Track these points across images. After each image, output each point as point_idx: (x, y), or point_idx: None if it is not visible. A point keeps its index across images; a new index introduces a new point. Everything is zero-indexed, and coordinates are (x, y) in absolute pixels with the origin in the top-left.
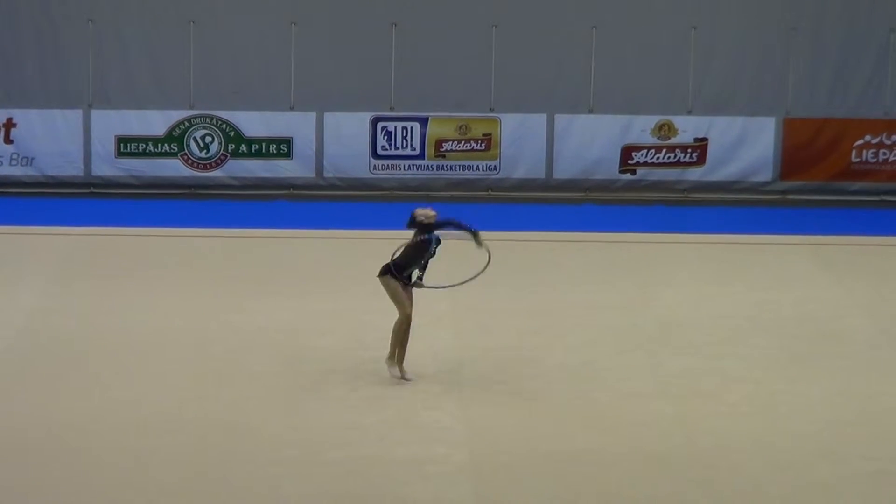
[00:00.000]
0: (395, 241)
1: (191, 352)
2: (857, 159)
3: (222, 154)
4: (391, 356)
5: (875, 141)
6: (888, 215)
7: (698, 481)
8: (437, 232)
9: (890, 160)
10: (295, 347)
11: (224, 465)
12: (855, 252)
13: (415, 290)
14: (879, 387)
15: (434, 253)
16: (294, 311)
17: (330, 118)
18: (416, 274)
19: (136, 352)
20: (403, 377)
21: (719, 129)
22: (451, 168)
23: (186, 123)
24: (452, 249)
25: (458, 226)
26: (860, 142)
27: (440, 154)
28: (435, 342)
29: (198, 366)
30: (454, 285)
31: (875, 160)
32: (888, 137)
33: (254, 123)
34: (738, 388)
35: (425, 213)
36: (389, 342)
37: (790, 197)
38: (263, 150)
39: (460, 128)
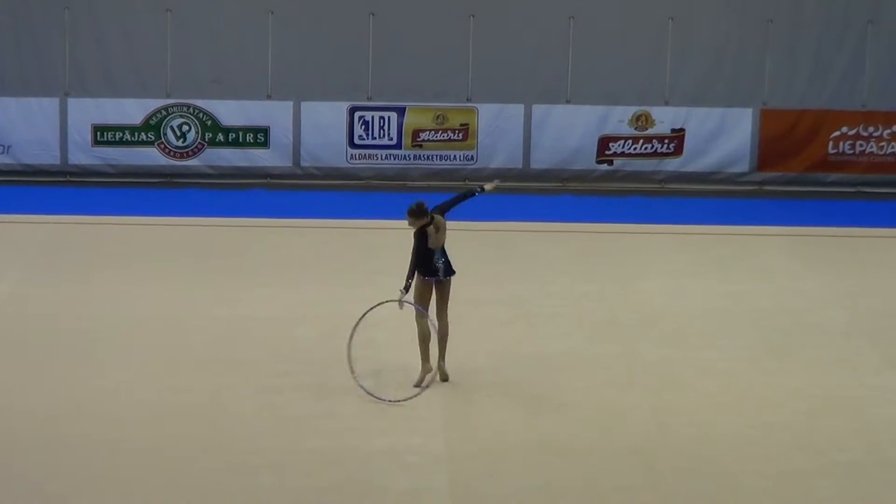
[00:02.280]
0: (372, 230)
1: (167, 341)
2: (834, 151)
3: (199, 143)
4: (429, 364)
5: (852, 132)
6: (865, 207)
7: (674, 472)
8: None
9: (867, 152)
10: (272, 337)
11: (201, 454)
12: (832, 243)
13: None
14: (855, 378)
15: (429, 235)
16: (271, 300)
17: (307, 107)
18: (440, 261)
19: (113, 341)
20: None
21: (696, 120)
22: (428, 158)
23: (163, 112)
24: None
25: (457, 201)
26: (837, 133)
27: (417, 144)
28: (413, 332)
29: (174, 355)
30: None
31: (852, 151)
32: (865, 129)
33: (231, 112)
34: (715, 379)
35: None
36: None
37: (767, 188)
38: (240, 140)
39: (437, 117)
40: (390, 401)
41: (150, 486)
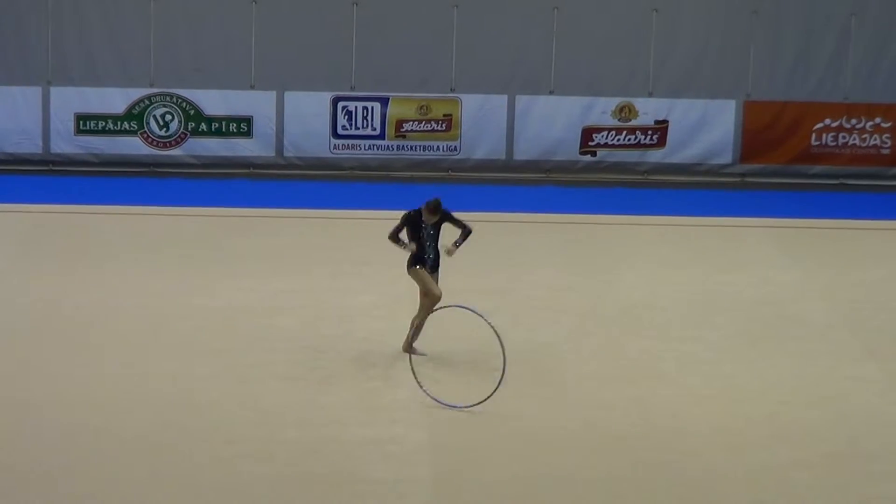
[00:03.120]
0: (355, 220)
1: (149, 330)
2: (817, 143)
3: (182, 132)
4: (408, 344)
5: (835, 124)
6: (847, 199)
7: (656, 464)
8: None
9: (849, 144)
10: (254, 326)
11: (181, 443)
12: (814, 235)
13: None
14: (835, 370)
15: (428, 228)
16: (254, 290)
17: (290, 97)
18: (438, 250)
19: (95, 330)
20: (415, 352)
21: (680, 112)
22: (411, 148)
23: (146, 101)
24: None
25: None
26: (820, 125)
27: (400, 134)
28: (395, 322)
29: (155, 344)
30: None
31: (835, 144)
32: (848, 121)
33: (214, 102)
34: (696, 370)
35: (431, 207)
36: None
37: (750, 180)
38: (223, 129)
39: (421, 108)
40: (461, 407)
41: (132, 475)
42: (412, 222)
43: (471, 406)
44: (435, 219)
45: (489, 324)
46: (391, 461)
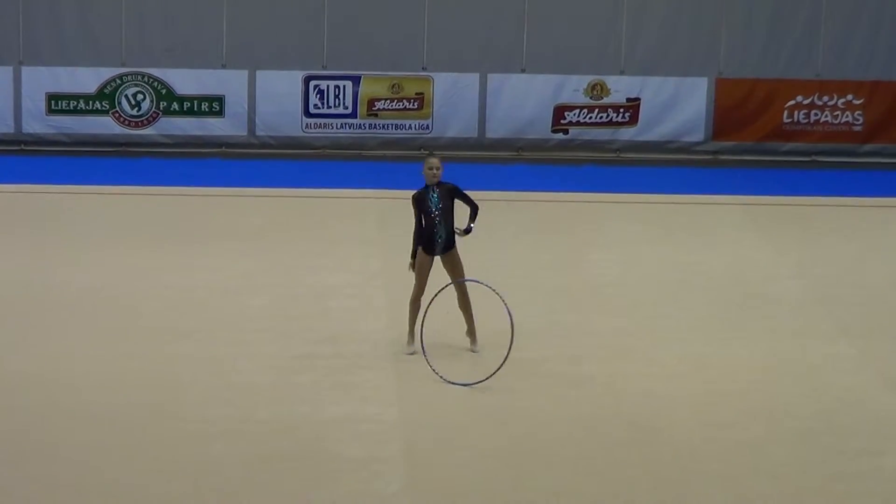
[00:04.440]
0: (328, 199)
1: (121, 310)
2: (789, 120)
3: (154, 112)
4: (410, 333)
5: (807, 101)
6: (819, 176)
7: (628, 441)
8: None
9: (821, 121)
10: (227, 306)
11: (152, 423)
12: (786, 212)
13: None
14: (808, 347)
15: (436, 201)
16: (226, 269)
17: (262, 76)
18: (455, 231)
19: (66, 309)
20: (472, 348)
21: (652, 90)
22: (383, 127)
23: (118, 81)
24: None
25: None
26: (792, 102)
27: (372, 113)
28: (367, 300)
29: (127, 323)
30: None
31: (807, 121)
32: (819, 98)
33: (185, 81)
34: (669, 348)
35: (427, 163)
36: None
37: (722, 157)
38: (195, 109)
39: (393, 87)
40: (463, 384)
41: (103, 454)
42: (419, 201)
43: (474, 383)
44: (437, 178)
45: (502, 300)
46: (364, 440)
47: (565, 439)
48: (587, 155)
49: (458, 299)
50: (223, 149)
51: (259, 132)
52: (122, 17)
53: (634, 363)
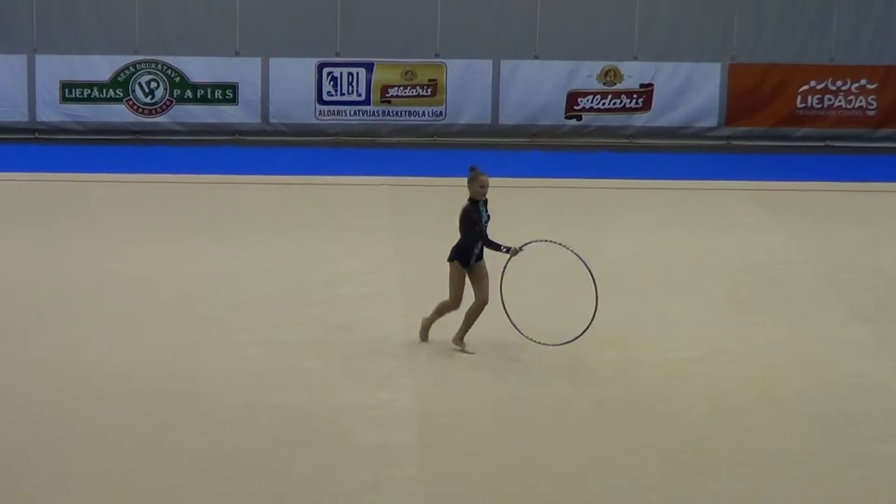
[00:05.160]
0: (341, 186)
1: (136, 298)
2: (802, 105)
3: (167, 100)
4: (459, 337)
5: (820, 87)
6: (832, 161)
7: (641, 427)
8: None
9: (835, 106)
10: (240, 292)
11: (167, 410)
12: (799, 197)
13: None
14: (822, 332)
15: (486, 218)
16: (240, 256)
17: (275, 63)
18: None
19: (82, 297)
20: (463, 349)
21: (665, 75)
22: (396, 114)
23: (131, 69)
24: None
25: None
26: (805, 87)
27: (386, 100)
28: (379, 287)
29: (143, 312)
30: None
31: (820, 106)
32: (833, 83)
33: (199, 69)
34: (682, 333)
35: (480, 181)
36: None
37: (735, 143)
38: (208, 96)
39: (406, 73)
40: (553, 345)
41: (118, 441)
42: (473, 214)
43: (561, 344)
44: (486, 193)
45: (584, 263)
46: (376, 427)
47: (578, 424)
48: (600, 141)
49: (474, 307)
50: (236, 136)
51: (272, 119)
52: (136, 5)
53: (647, 348)
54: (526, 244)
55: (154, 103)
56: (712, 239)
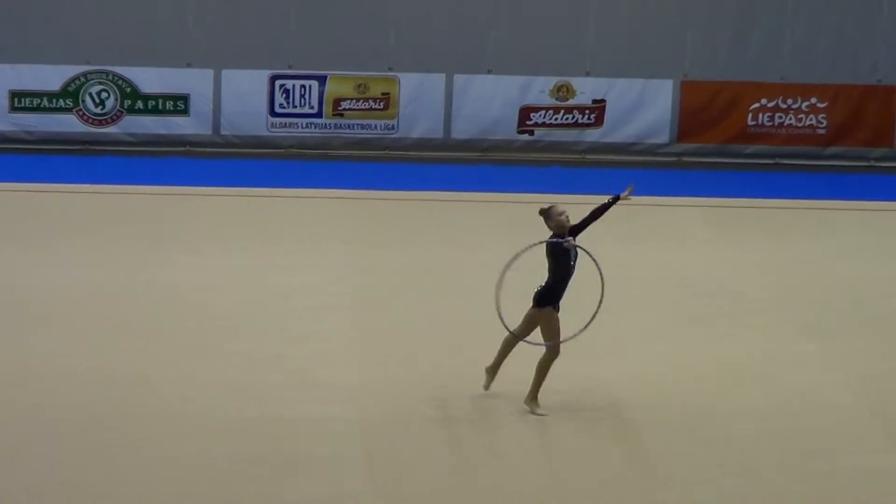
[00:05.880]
0: (293, 199)
1: (88, 309)
2: (753, 122)
3: (118, 110)
4: (532, 396)
5: (771, 104)
6: (782, 178)
7: (592, 439)
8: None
9: (785, 124)
10: (192, 305)
11: (122, 420)
12: (749, 214)
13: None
14: (773, 348)
15: (574, 254)
16: (192, 268)
17: (227, 75)
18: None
19: (35, 308)
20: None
21: (617, 91)
22: (348, 127)
23: (82, 79)
24: None
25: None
26: (756, 105)
27: (338, 113)
28: (332, 300)
29: (95, 323)
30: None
31: (771, 123)
32: (784, 101)
33: (150, 80)
34: (632, 348)
35: (556, 211)
36: (532, 379)
37: (686, 159)
38: (160, 107)
39: (359, 87)
40: (540, 344)
41: (70, 455)
42: (562, 252)
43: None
44: (568, 220)
45: (594, 260)
46: (328, 439)
47: (526, 437)
48: (552, 156)
49: (547, 358)
50: (187, 147)
51: (224, 131)
52: (87, 15)
53: (601, 363)
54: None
55: (104, 114)
56: (663, 255)
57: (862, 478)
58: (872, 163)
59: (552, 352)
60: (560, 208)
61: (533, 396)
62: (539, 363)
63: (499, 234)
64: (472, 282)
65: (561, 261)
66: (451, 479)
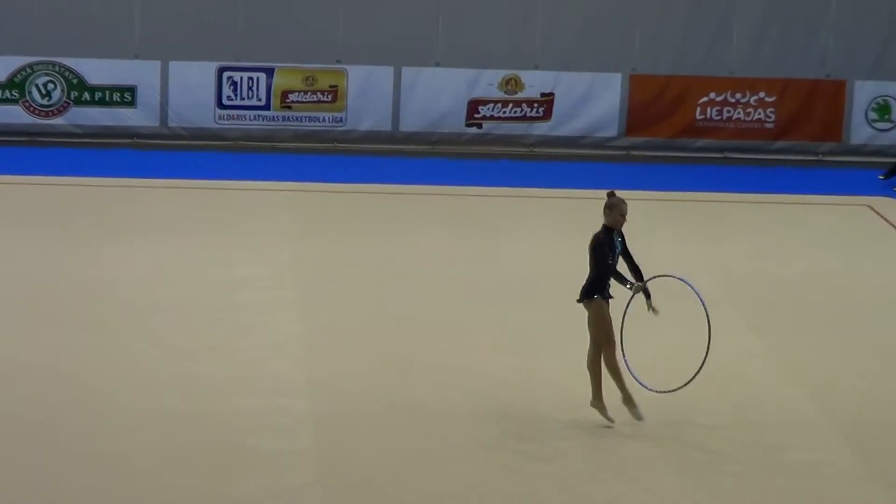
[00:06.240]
0: (240, 191)
1: (29, 301)
2: (702, 116)
3: (65, 101)
4: (596, 397)
5: (719, 98)
6: (731, 172)
7: (539, 433)
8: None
9: (733, 118)
10: (138, 297)
11: (62, 415)
12: (698, 208)
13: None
14: (718, 343)
15: (617, 248)
16: (137, 260)
17: (175, 67)
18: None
19: None
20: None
21: (566, 85)
22: (296, 119)
23: (28, 70)
24: None
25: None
26: (704, 99)
27: (286, 105)
28: (278, 293)
29: (35, 315)
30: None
31: (719, 118)
32: (732, 95)
33: (97, 71)
34: (578, 342)
35: (620, 209)
36: (590, 381)
37: (635, 153)
38: (107, 99)
39: (307, 79)
40: (660, 391)
41: (7, 445)
42: (603, 246)
43: (670, 391)
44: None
45: (700, 300)
46: (274, 433)
47: (477, 432)
48: (501, 149)
49: (611, 358)
50: (135, 139)
51: (171, 123)
52: (34, 5)
53: (543, 356)
54: (650, 279)
55: (51, 105)
56: None
57: (804, 471)
58: (821, 157)
59: (595, 347)
60: (625, 209)
61: (597, 397)
62: (588, 364)
63: (447, 226)
64: (420, 275)
65: (603, 258)
66: (398, 472)
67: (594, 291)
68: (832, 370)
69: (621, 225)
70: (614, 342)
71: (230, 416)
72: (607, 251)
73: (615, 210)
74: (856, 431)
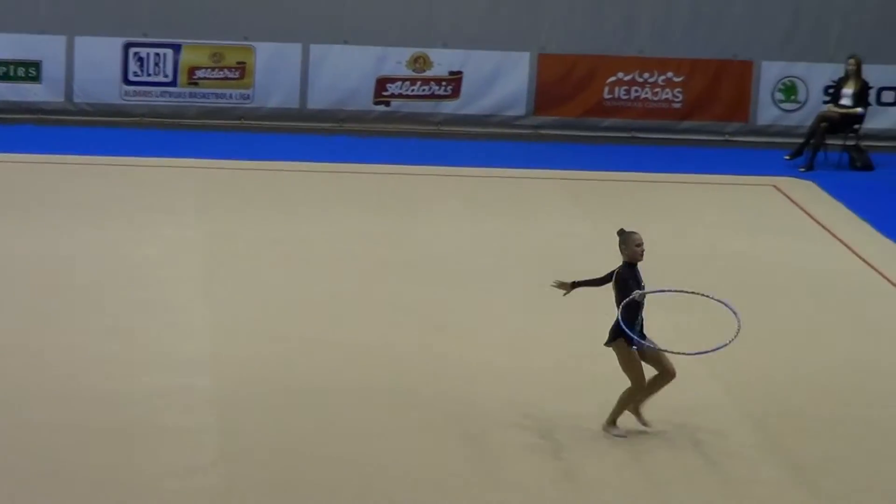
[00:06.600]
0: (146, 168)
1: None
2: (610, 96)
3: None
4: (610, 421)
5: (627, 78)
6: (638, 151)
7: (444, 414)
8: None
9: (641, 97)
10: (41, 277)
11: None
12: (605, 187)
13: None
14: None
15: (643, 283)
16: (43, 239)
17: (80, 42)
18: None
19: None
20: (646, 424)
21: (474, 63)
22: (203, 96)
23: None
24: None
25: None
26: (612, 79)
27: (193, 82)
28: (182, 271)
29: None
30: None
31: (627, 97)
32: (640, 75)
33: (1, 45)
34: (488, 321)
35: (634, 240)
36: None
37: (543, 132)
38: (11, 74)
39: (214, 55)
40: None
41: None
42: (628, 281)
43: (704, 353)
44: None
45: (730, 308)
46: (177, 411)
47: (375, 411)
48: (409, 127)
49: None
50: (39, 115)
51: (77, 99)
52: None
53: (452, 335)
54: (678, 291)
55: None
56: (519, 227)
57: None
58: (727, 137)
59: (633, 387)
60: (639, 238)
61: (611, 421)
62: (622, 395)
63: (353, 205)
64: (325, 253)
65: (625, 291)
66: (302, 449)
67: (620, 332)
68: (736, 348)
69: (641, 255)
70: (644, 384)
71: (133, 395)
72: (632, 285)
73: (630, 243)
74: (760, 411)
